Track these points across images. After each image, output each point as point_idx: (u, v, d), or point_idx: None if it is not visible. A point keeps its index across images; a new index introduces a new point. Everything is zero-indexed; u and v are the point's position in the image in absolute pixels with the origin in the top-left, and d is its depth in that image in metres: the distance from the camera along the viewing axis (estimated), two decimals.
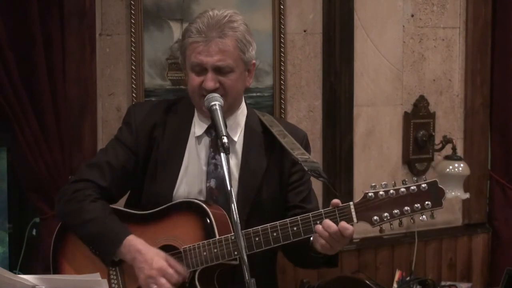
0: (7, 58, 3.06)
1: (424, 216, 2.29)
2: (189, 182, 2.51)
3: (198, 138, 2.53)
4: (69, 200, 2.50)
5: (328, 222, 2.30)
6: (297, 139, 2.57)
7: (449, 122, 3.98)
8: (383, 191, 2.29)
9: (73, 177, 2.60)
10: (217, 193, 2.50)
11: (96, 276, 2.06)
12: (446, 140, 3.85)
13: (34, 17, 3.09)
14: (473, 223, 4.07)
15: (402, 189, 2.28)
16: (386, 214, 2.29)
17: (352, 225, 2.31)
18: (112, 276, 2.48)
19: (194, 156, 2.52)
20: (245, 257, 2.09)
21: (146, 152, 2.53)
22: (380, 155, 3.82)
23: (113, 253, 2.42)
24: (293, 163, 2.56)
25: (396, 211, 2.28)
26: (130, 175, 2.54)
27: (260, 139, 2.56)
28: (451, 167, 3.75)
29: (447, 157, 3.81)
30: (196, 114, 2.55)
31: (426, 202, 2.27)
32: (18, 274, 2.64)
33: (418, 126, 3.86)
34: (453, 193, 3.77)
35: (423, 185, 2.27)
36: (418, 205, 2.27)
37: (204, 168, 2.51)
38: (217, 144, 2.46)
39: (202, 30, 2.40)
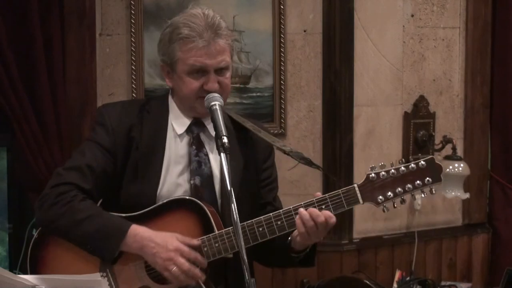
0: (7, 58, 3.07)
1: (426, 191, 2.35)
2: (173, 181, 2.48)
3: (180, 136, 2.51)
4: (53, 203, 2.40)
5: (315, 211, 2.31)
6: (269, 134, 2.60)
7: (449, 122, 3.98)
8: (384, 171, 2.34)
9: (51, 182, 2.48)
10: (202, 190, 2.47)
11: (96, 276, 2.06)
12: (446, 140, 3.85)
13: (34, 17, 3.10)
14: (473, 223, 4.06)
15: (403, 168, 2.34)
16: (389, 193, 2.34)
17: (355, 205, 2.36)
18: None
19: (175, 154, 2.50)
20: (245, 257, 2.09)
21: (125, 153, 2.48)
22: (380, 155, 3.81)
23: (117, 247, 2.36)
24: (263, 160, 2.57)
25: (399, 189, 2.34)
26: (109, 176, 2.47)
27: (234, 136, 2.53)
28: (451, 167, 3.74)
29: (447, 157, 3.81)
30: (172, 112, 2.53)
31: (427, 179, 2.34)
32: (18, 274, 2.64)
33: (418, 126, 3.86)
34: (453, 193, 3.77)
35: (421, 163, 2.34)
36: (419, 181, 2.34)
37: (187, 166, 2.49)
38: (199, 141, 2.48)
39: (199, 33, 2.38)
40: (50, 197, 2.42)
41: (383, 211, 2.36)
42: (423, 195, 2.36)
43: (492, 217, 4.11)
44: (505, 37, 4.01)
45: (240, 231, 2.14)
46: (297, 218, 2.33)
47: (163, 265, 2.33)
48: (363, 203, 2.35)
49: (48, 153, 3.18)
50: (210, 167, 2.47)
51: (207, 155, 2.48)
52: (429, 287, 3.74)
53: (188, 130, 2.52)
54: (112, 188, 2.50)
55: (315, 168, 2.55)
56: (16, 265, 3.31)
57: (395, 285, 3.71)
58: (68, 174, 2.45)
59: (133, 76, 3.37)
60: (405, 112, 3.86)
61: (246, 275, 2.07)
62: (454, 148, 3.80)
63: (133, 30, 3.35)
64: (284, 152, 2.52)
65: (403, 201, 2.36)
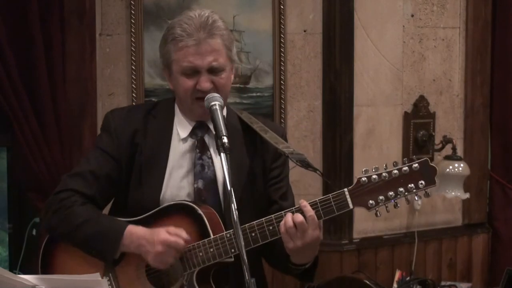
0: (7, 58, 3.07)
1: (420, 194, 2.28)
2: (176, 185, 2.48)
3: (183, 140, 2.51)
4: (56, 210, 2.45)
5: (297, 215, 2.28)
6: (277, 134, 2.57)
7: (449, 122, 3.98)
8: (376, 174, 2.28)
9: (56, 189, 2.52)
10: (205, 193, 2.47)
11: (96, 276, 2.06)
12: (446, 140, 3.85)
13: (34, 17, 3.10)
14: (473, 223, 4.07)
15: (395, 171, 2.27)
16: (381, 197, 2.28)
17: (347, 211, 2.31)
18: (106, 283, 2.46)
19: (179, 158, 2.50)
20: (245, 257, 2.09)
21: (129, 158, 2.49)
22: (380, 155, 3.81)
23: (116, 248, 2.39)
24: (273, 159, 2.55)
25: (391, 193, 2.27)
26: (114, 182, 2.50)
27: (241, 137, 2.54)
28: (451, 167, 3.74)
29: (447, 157, 3.81)
30: (176, 116, 2.54)
31: (420, 182, 2.26)
32: (18, 274, 2.64)
33: (418, 126, 3.86)
34: (453, 193, 3.77)
35: (414, 165, 2.27)
36: (412, 185, 2.26)
37: (191, 169, 2.49)
38: (203, 145, 2.48)
39: (190, 33, 2.38)
40: (53, 204, 2.47)
41: (376, 215, 2.30)
42: (416, 198, 2.29)
43: (492, 217, 4.12)
44: (505, 37, 4.01)
45: (240, 232, 2.13)
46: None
47: (155, 260, 2.35)
48: (353, 208, 2.29)
49: (48, 153, 3.18)
50: (213, 170, 2.46)
51: (211, 158, 2.47)
52: (429, 287, 3.74)
53: (192, 134, 2.51)
54: (119, 193, 2.53)
55: (312, 171, 2.52)
56: (16, 265, 3.32)
57: (395, 285, 3.71)
58: (71, 180, 2.49)
59: (133, 76, 3.37)
60: (405, 112, 3.86)
61: (246, 275, 2.07)
62: (454, 148, 3.80)
63: (133, 30, 3.35)
64: (284, 154, 2.49)
65: (396, 205, 2.29)
